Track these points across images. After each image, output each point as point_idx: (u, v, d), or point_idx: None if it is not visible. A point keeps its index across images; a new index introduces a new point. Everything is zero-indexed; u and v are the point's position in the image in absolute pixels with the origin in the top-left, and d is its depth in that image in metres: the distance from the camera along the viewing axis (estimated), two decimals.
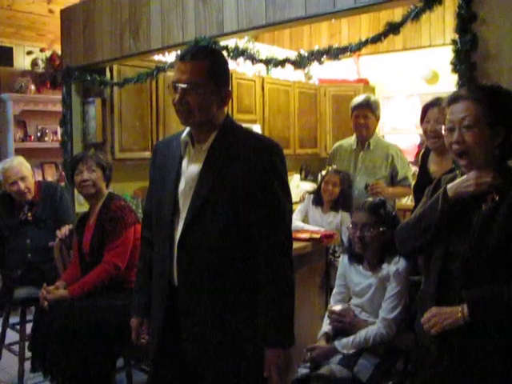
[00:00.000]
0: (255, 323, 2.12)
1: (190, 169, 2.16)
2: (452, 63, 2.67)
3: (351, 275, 3.04)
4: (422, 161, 3.50)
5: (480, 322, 2.01)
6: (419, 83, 7.01)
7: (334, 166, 4.42)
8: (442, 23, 6.10)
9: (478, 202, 2.09)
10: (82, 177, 3.52)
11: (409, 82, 7.11)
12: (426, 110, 3.34)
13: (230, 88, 2.22)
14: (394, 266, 2.83)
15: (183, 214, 2.13)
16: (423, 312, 2.16)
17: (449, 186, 2.14)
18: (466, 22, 2.60)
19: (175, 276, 2.15)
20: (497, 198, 2.05)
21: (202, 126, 2.14)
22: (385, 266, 2.87)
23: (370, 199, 3.08)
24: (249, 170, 2.06)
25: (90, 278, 3.39)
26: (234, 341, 2.12)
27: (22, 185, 4.07)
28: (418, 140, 7.12)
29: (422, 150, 3.63)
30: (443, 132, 2.17)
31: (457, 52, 2.63)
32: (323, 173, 4.37)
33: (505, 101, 2.08)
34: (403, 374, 2.78)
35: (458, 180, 2.13)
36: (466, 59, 2.60)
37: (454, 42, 2.66)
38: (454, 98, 2.11)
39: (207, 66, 2.07)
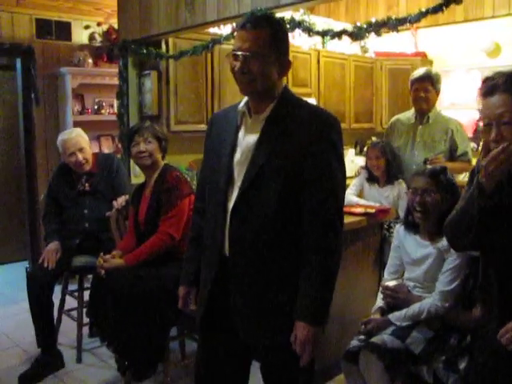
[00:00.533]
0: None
1: (247, 139, 2.16)
2: None
3: (408, 245, 2.98)
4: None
5: None
6: (480, 56, 6.80)
7: (374, 138, 4.36)
8: None
9: None
10: (139, 148, 3.55)
11: (469, 55, 6.89)
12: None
13: (291, 61, 2.20)
14: None
15: (238, 184, 2.13)
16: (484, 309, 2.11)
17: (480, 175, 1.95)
18: None
19: (226, 245, 2.15)
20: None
21: (262, 96, 2.12)
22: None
23: (430, 166, 3.03)
24: (305, 141, 2.05)
25: (145, 248, 3.45)
26: (280, 313, 2.12)
27: (80, 156, 4.14)
28: (476, 116, 6.95)
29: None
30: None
31: None
32: (365, 149, 4.32)
33: None
34: (457, 349, 2.74)
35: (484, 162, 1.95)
36: None
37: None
38: (489, 90, 1.94)
39: (269, 34, 2.05)
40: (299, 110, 2.14)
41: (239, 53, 2.05)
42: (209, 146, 2.36)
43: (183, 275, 2.46)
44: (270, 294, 2.12)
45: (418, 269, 2.92)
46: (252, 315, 2.15)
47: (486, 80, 2.00)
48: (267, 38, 2.04)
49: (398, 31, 3.28)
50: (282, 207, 2.06)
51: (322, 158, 2.05)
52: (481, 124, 1.83)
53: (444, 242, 2.77)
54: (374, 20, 3.48)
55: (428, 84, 4.24)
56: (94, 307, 3.50)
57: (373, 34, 3.46)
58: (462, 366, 2.66)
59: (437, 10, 2.97)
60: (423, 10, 3.14)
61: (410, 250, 2.97)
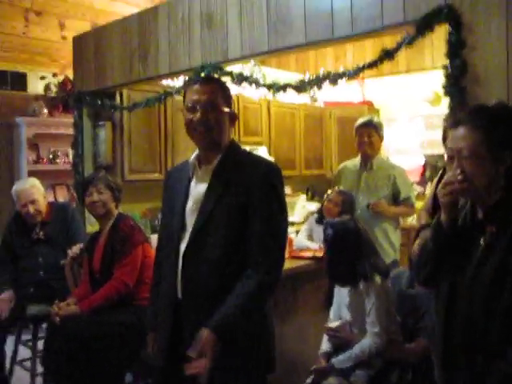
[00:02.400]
0: (254, 334, 2.22)
1: (197, 188, 2.32)
2: (443, 87, 2.80)
3: (341, 292, 3.16)
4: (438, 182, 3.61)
5: None
6: (422, 105, 7.14)
7: (341, 187, 4.53)
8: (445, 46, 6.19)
9: (479, 234, 1.91)
10: (92, 198, 3.65)
11: (412, 104, 7.24)
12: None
13: (236, 111, 2.40)
14: (363, 281, 2.97)
15: (189, 229, 2.27)
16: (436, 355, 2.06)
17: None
18: (456, 48, 2.73)
19: (179, 288, 2.27)
20: (494, 229, 1.86)
21: (212, 148, 2.30)
22: (352, 282, 3.00)
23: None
24: (248, 187, 2.20)
25: (99, 295, 3.51)
26: (234, 354, 2.19)
27: (31, 208, 4.18)
28: (422, 161, 7.24)
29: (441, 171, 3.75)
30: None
31: (447, 77, 2.77)
32: (329, 192, 4.48)
33: (510, 122, 1.89)
34: None
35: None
36: (456, 83, 2.73)
37: (444, 67, 2.79)
38: (454, 122, 1.93)
39: (219, 88, 2.31)
40: (243, 159, 2.32)
41: (198, 105, 2.24)
42: (165, 198, 2.52)
43: (150, 322, 2.52)
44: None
45: (349, 313, 3.08)
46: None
47: (453, 113, 2.12)
48: (219, 92, 2.28)
49: (337, 85, 3.48)
50: (230, 251, 2.20)
51: (263, 202, 2.19)
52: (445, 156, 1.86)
53: (355, 287, 2.99)
54: (321, 71, 3.70)
55: (372, 129, 4.48)
56: (49, 355, 3.52)
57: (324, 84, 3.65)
58: None
59: (372, 65, 3.19)
60: (366, 63, 3.33)
61: (341, 295, 3.14)
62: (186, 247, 2.25)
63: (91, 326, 3.36)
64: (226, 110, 2.28)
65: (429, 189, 6.83)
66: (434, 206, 3.58)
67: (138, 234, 3.65)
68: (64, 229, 4.31)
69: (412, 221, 6.25)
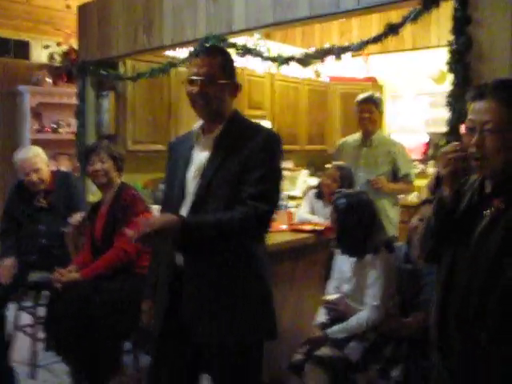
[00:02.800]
0: (252, 296, 2.27)
1: (200, 156, 2.35)
2: (448, 63, 2.80)
3: (340, 264, 3.19)
4: None
5: None
6: (427, 82, 7.11)
7: (340, 162, 4.54)
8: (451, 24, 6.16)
9: (485, 209, 1.89)
10: (94, 167, 3.67)
11: (417, 81, 7.21)
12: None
13: (241, 84, 2.40)
14: (370, 253, 3.00)
15: (190, 196, 2.31)
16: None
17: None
18: (462, 24, 2.73)
19: (180, 256, 2.30)
20: (503, 205, 1.84)
21: (214, 117, 2.34)
22: (359, 253, 3.04)
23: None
24: (248, 154, 2.23)
25: (101, 263, 3.54)
26: (230, 315, 2.24)
27: (34, 176, 4.19)
28: (425, 138, 7.23)
29: None
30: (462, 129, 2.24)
31: (452, 53, 2.77)
32: (327, 167, 4.50)
33: None
34: (391, 359, 2.91)
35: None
36: (460, 60, 2.73)
37: (449, 43, 2.79)
38: (478, 94, 1.90)
39: (220, 60, 2.31)
40: (245, 129, 2.35)
41: (196, 78, 2.27)
42: (168, 167, 2.55)
43: (146, 289, 2.57)
44: (221, 297, 2.25)
45: (349, 285, 3.12)
46: (204, 317, 2.26)
47: (477, 85, 2.06)
48: (219, 64, 2.29)
49: (340, 59, 3.47)
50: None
51: (259, 162, 2.23)
52: (462, 127, 2.15)
53: (360, 259, 3.03)
54: (326, 46, 3.69)
55: (372, 105, 4.49)
56: (50, 321, 3.56)
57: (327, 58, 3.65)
58: (394, 374, 2.84)
59: (376, 40, 3.18)
60: (371, 38, 3.33)
61: (343, 268, 3.17)
62: (188, 212, 2.28)
63: (92, 292, 3.39)
64: (226, 81, 2.30)
65: (431, 167, 6.84)
66: (438, 183, 3.62)
67: (140, 204, 3.66)
68: (66, 197, 4.33)
69: (412, 198, 6.27)
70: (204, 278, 2.26)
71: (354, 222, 3.03)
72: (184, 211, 2.30)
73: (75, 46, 5.78)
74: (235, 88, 2.37)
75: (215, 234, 2.18)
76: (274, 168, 2.29)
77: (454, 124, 2.78)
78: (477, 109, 1.88)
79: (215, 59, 2.30)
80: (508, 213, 1.83)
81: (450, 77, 2.85)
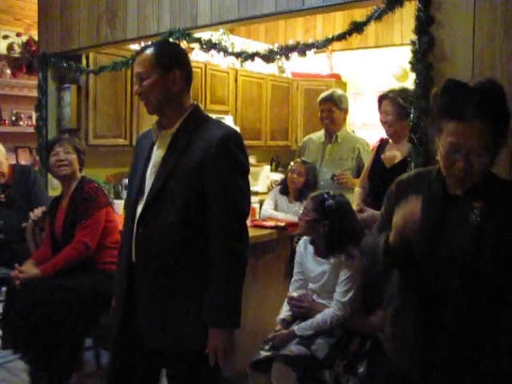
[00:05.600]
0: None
1: (157, 153, 2.32)
2: (410, 63, 2.83)
3: (307, 262, 3.21)
4: (377, 151, 3.71)
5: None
6: (390, 80, 7.18)
7: (303, 158, 4.57)
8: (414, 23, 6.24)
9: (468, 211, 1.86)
10: (58, 157, 3.62)
11: (380, 79, 7.26)
12: (380, 100, 3.58)
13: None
14: (346, 254, 3.02)
15: (146, 195, 2.29)
16: (395, 330, 2.08)
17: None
18: (424, 24, 2.75)
19: (133, 253, 2.29)
20: (485, 206, 1.84)
21: (166, 113, 2.31)
22: (337, 253, 3.05)
23: (315, 193, 3.27)
24: (206, 154, 2.19)
25: (61, 257, 3.49)
26: (185, 321, 2.22)
27: None
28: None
29: (378, 142, 3.84)
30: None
31: (415, 52, 2.79)
32: (292, 163, 4.52)
33: (503, 100, 1.84)
34: (357, 354, 2.95)
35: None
36: (423, 59, 2.75)
37: (412, 42, 2.82)
38: (457, 113, 1.79)
39: (149, 56, 2.28)
40: (204, 125, 2.30)
41: (136, 77, 2.32)
42: (132, 163, 2.52)
43: (115, 286, 2.53)
44: (175, 302, 2.22)
45: (317, 283, 3.14)
46: (157, 323, 2.25)
47: (450, 95, 1.87)
48: (149, 60, 2.27)
49: (305, 56, 3.48)
50: (186, 218, 2.20)
51: (220, 170, 2.19)
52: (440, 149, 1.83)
53: (336, 258, 3.05)
54: (291, 42, 3.70)
55: (332, 105, 4.51)
56: (8, 318, 3.51)
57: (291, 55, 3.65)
58: (361, 370, 2.88)
59: (340, 37, 3.20)
60: (335, 35, 3.34)
61: (310, 267, 3.19)
62: (141, 213, 2.27)
63: (51, 289, 3.34)
64: (159, 75, 2.25)
65: None
66: (370, 179, 3.71)
67: (102, 197, 3.62)
68: (26, 192, 4.27)
69: None
70: (155, 285, 2.24)
71: (341, 221, 3.07)
72: (139, 210, 2.28)
73: (35, 37, 5.67)
74: (177, 79, 2.29)
75: (238, 287, 2.20)
76: (235, 174, 2.23)
77: (415, 121, 2.81)
78: (461, 131, 1.78)
79: (144, 56, 2.29)
80: (495, 216, 1.82)
81: (413, 75, 2.88)
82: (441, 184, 1.96)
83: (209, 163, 2.19)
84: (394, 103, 3.50)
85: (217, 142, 2.20)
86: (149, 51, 2.30)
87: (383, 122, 3.58)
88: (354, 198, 3.78)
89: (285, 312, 3.19)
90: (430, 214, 1.91)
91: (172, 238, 2.20)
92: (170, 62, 2.30)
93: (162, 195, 2.23)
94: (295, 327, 3.02)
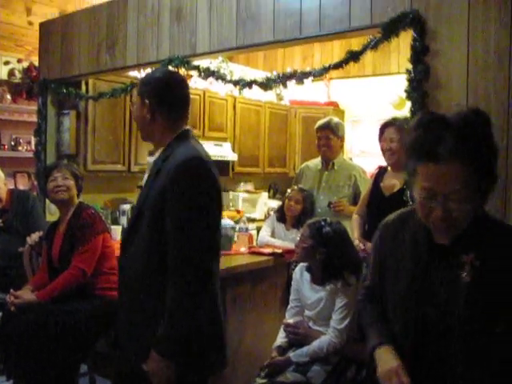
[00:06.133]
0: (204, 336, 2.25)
1: (145, 179, 2.43)
2: (406, 91, 2.87)
3: (304, 289, 3.20)
4: (376, 179, 3.72)
5: None
6: (387, 108, 7.23)
7: (300, 185, 4.59)
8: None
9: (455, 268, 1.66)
10: (57, 182, 3.63)
11: (377, 107, 7.32)
12: (383, 129, 3.59)
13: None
14: (342, 281, 3.03)
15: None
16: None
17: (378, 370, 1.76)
18: (419, 53, 2.80)
19: None
20: (477, 262, 1.62)
21: (153, 139, 2.40)
22: (333, 281, 3.05)
23: (312, 221, 3.28)
24: (166, 180, 2.18)
25: (57, 284, 3.48)
26: (139, 341, 2.29)
27: None
28: (385, 163, 7.33)
29: (377, 170, 3.85)
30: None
31: (410, 81, 2.83)
32: (289, 191, 4.54)
33: (489, 142, 1.62)
34: (353, 382, 2.94)
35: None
36: (418, 88, 2.79)
37: (408, 71, 2.86)
38: (431, 155, 1.56)
39: (140, 84, 2.43)
40: (175, 154, 2.25)
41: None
42: None
43: None
44: (140, 325, 2.29)
45: (313, 310, 3.13)
46: (125, 342, 2.38)
47: (424, 131, 1.63)
48: (139, 91, 2.40)
49: (303, 84, 3.52)
50: (152, 245, 2.23)
51: (170, 202, 2.15)
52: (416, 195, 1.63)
53: (332, 285, 3.04)
54: (289, 70, 3.74)
55: (329, 132, 4.54)
56: (3, 343, 3.49)
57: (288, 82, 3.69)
58: None
59: (337, 66, 3.24)
60: (332, 63, 3.38)
61: (306, 294, 3.18)
62: (122, 240, 2.42)
63: (47, 314, 3.33)
64: (142, 102, 2.34)
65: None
66: (369, 207, 3.71)
67: (99, 223, 3.63)
68: (24, 217, 4.27)
69: None
70: (127, 301, 2.35)
71: (338, 251, 3.08)
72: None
73: (36, 63, 5.72)
74: (156, 109, 2.32)
75: (185, 321, 2.14)
76: (190, 209, 2.13)
77: None
78: (436, 174, 1.56)
79: (139, 87, 2.43)
80: (490, 269, 1.62)
81: (409, 104, 2.92)
82: (426, 231, 1.74)
83: (168, 191, 2.16)
84: (399, 131, 3.51)
85: (171, 173, 2.17)
86: (139, 83, 2.46)
87: (386, 150, 3.58)
88: (353, 226, 3.79)
89: (281, 339, 3.18)
90: (416, 273, 1.73)
91: (143, 265, 2.25)
92: (142, 90, 2.38)
93: (136, 225, 2.30)
94: (291, 354, 3.01)
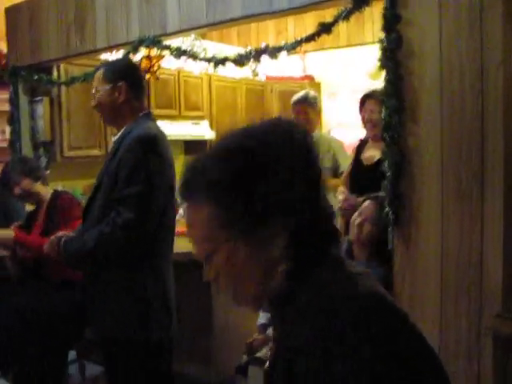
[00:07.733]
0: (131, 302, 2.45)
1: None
2: (379, 60, 2.85)
3: None
4: (357, 151, 3.72)
5: None
6: (364, 79, 7.21)
7: None
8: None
9: None
10: (15, 192, 3.58)
11: (353, 78, 7.30)
12: (363, 100, 3.57)
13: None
14: None
15: None
16: None
17: None
18: (392, 22, 2.76)
19: None
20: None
21: (118, 122, 2.60)
22: None
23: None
24: (121, 157, 2.41)
25: (37, 241, 3.33)
26: (107, 312, 2.48)
27: None
28: (363, 135, 7.33)
29: (358, 142, 3.84)
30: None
31: (383, 50, 2.81)
32: None
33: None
34: None
35: None
36: (391, 57, 2.77)
37: (380, 40, 2.83)
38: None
39: (98, 73, 2.62)
40: (133, 132, 2.48)
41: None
42: None
43: None
44: (107, 293, 2.48)
45: None
46: (94, 314, 2.60)
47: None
48: (97, 76, 2.61)
49: (277, 58, 3.48)
50: (105, 211, 2.42)
51: (124, 161, 2.38)
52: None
53: None
54: (263, 45, 3.69)
55: (306, 106, 4.53)
56: None
57: (263, 58, 3.64)
58: None
59: (309, 39, 3.20)
60: (299, 38, 3.35)
61: None
62: (82, 213, 2.63)
63: (35, 302, 3.32)
64: (108, 87, 2.54)
65: None
66: (350, 178, 3.71)
67: (77, 209, 3.58)
68: (1, 208, 4.21)
69: None
70: (96, 280, 2.54)
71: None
72: None
73: (5, 50, 5.60)
74: (123, 91, 2.54)
75: (88, 246, 2.40)
76: (139, 169, 2.34)
77: (387, 120, 2.82)
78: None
79: (96, 73, 2.65)
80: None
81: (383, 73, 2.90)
82: None
83: (122, 159, 2.38)
84: (380, 102, 3.50)
85: (128, 145, 2.40)
86: (100, 69, 2.62)
87: (367, 121, 3.57)
88: (340, 198, 3.76)
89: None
90: None
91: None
92: (114, 75, 2.55)
93: (96, 199, 2.48)
94: (268, 331, 3.03)
